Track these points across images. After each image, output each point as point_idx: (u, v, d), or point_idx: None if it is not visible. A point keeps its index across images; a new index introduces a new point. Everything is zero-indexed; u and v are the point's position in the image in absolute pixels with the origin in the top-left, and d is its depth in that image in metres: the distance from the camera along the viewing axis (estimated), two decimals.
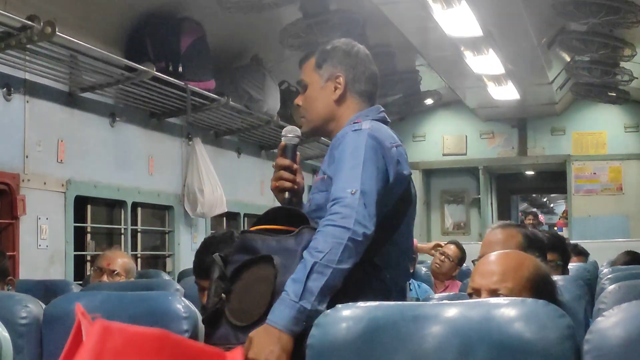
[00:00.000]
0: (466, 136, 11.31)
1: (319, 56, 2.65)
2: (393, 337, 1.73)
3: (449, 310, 1.73)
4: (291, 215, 2.41)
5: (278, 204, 2.58)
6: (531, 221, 14.35)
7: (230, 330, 2.23)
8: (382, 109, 2.65)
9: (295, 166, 2.61)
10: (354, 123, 2.49)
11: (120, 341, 1.05)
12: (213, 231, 6.56)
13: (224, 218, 7.41)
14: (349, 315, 1.78)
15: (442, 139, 11.28)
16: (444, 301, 1.82)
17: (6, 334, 1.89)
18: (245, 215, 7.70)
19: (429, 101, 9.98)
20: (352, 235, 2.22)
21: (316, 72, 2.63)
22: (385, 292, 2.42)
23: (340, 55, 2.63)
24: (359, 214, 2.25)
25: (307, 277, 2.14)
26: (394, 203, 2.46)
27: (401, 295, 2.55)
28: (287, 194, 2.59)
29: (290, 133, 2.62)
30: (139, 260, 6.12)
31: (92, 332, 1.02)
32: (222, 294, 2.28)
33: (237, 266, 2.32)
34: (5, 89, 4.63)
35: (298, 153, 2.64)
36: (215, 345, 2.11)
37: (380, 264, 2.41)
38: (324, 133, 2.71)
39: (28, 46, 4.40)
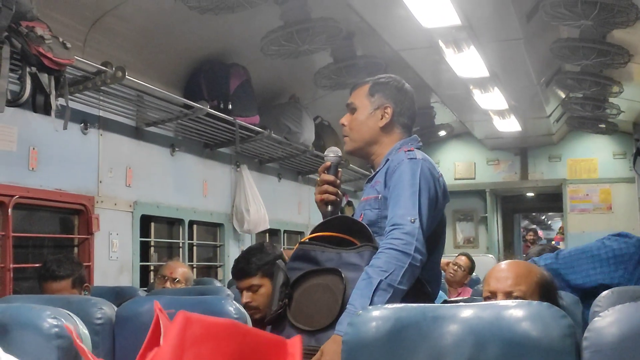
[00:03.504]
0: (475, 163, 11.26)
1: (372, 85, 2.60)
2: (416, 335, 1.71)
3: (464, 312, 1.71)
4: (355, 227, 2.36)
5: (312, 221, 2.54)
6: (531, 236, 14.20)
7: (294, 332, 2.16)
8: (419, 139, 2.61)
9: (337, 182, 2.58)
10: (408, 151, 2.44)
11: (198, 329, 1.06)
12: None
13: (267, 234, 7.41)
14: (378, 315, 1.77)
15: (454, 165, 11.24)
16: (460, 303, 1.81)
17: (86, 332, 1.90)
18: (285, 231, 7.70)
19: (442, 133, 9.95)
20: (412, 260, 2.18)
21: (368, 98, 2.58)
22: (429, 303, 2.37)
23: (392, 89, 2.59)
24: (419, 242, 2.21)
25: (374, 293, 2.10)
26: (437, 225, 2.43)
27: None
28: (329, 207, 2.55)
29: (332, 153, 2.58)
30: (194, 269, 6.13)
31: (175, 322, 1.04)
32: (285, 299, 2.24)
33: (301, 274, 2.27)
34: (82, 124, 4.69)
35: (340, 170, 2.61)
36: None
37: (424, 279, 2.36)
38: (365, 154, 2.62)
39: (102, 88, 4.45)
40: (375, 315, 1.78)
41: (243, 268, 2.96)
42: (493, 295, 2.17)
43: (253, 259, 2.94)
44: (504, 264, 2.26)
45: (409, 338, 1.72)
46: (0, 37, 3.27)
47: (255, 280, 2.92)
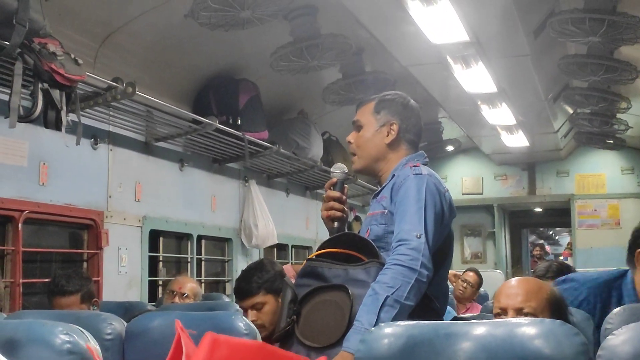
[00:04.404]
0: (482, 178, 11.24)
1: (378, 103, 2.61)
2: (429, 353, 1.71)
3: (477, 329, 1.70)
4: (361, 244, 2.35)
5: (320, 236, 2.54)
6: (538, 251, 14.13)
7: (302, 349, 2.17)
8: (426, 155, 2.61)
9: (344, 198, 2.58)
10: (413, 167, 2.45)
11: (226, 350, 1.06)
12: None
13: (275, 249, 7.40)
14: (391, 332, 1.77)
15: (461, 180, 11.23)
16: (473, 321, 1.80)
17: (97, 347, 1.91)
18: (292, 246, 7.69)
19: (450, 148, 9.95)
20: (419, 276, 2.17)
21: (374, 116, 2.59)
22: (437, 319, 2.35)
23: (398, 106, 2.60)
24: (425, 257, 2.20)
25: (380, 309, 2.09)
26: (443, 241, 2.43)
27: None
28: (336, 223, 2.54)
29: (338, 169, 2.59)
30: (202, 284, 6.13)
31: (203, 343, 1.04)
32: (293, 316, 2.24)
33: (308, 291, 2.27)
34: (92, 140, 4.71)
35: (346, 186, 2.61)
36: None
37: (431, 295, 2.35)
38: (373, 171, 2.63)
39: (112, 103, 4.47)
40: (387, 332, 1.77)
41: (244, 287, 2.94)
42: (503, 312, 2.17)
43: (254, 277, 2.92)
44: (514, 280, 2.26)
45: (421, 356, 1.71)
46: (14, 53, 3.30)
47: (258, 298, 2.90)
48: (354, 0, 4.67)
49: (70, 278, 3.60)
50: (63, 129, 3.63)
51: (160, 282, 5.63)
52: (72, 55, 3.65)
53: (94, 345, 1.87)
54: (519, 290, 2.17)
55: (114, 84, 4.31)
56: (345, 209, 2.59)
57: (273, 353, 1.14)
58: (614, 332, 1.59)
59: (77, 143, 3.78)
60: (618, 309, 2.40)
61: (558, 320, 1.67)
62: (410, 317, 2.15)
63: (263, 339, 2.77)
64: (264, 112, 6.02)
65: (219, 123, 5.37)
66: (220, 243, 6.49)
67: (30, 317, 2.59)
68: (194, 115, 5.30)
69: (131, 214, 5.05)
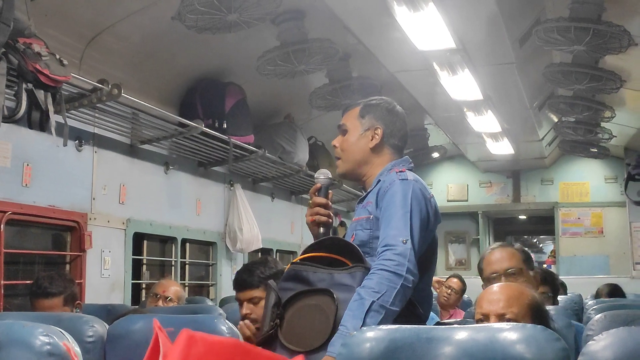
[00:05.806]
0: (467, 185, 11.28)
1: (363, 107, 2.62)
2: (410, 357, 1.70)
3: (458, 334, 1.70)
4: (346, 248, 2.35)
5: (305, 240, 2.53)
6: None
7: (285, 353, 2.15)
8: (411, 160, 2.62)
9: (329, 203, 2.58)
10: (399, 172, 2.45)
11: (202, 348, 1.06)
12: None
13: (259, 253, 7.38)
14: (372, 336, 1.77)
15: (446, 187, 11.25)
16: (455, 325, 1.80)
17: (78, 349, 1.89)
18: (277, 250, 7.67)
19: (435, 155, 9.96)
20: (404, 281, 2.17)
21: (359, 120, 2.60)
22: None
23: (382, 111, 2.61)
24: (411, 262, 2.21)
25: (366, 314, 2.09)
26: (428, 246, 2.43)
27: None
28: (321, 228, 2.54)
29: (322, 175, 2.59)
30: (186, 288, 6.10)
31: (179, 340, 1.04)
32: (277, 320, 2.22)
33: (292, 295, 2.25)
34: (77, 141, 4.68)
35: (330, 192, 2.61)
36: None
37: (415, 300, 2.35)
38: (357, 175, 2.64)
39: (97, 105, 4.44)
40: (369, 336, 1.77)
41: (246, 279, 2.95)
42: (485, 318, 2.17)
43: (256, 271, 2.94)
44: (496, 286, 2.26)
45: None
46: None
47: (257, 293, 2.90)
48: (341, 5, 4.67)
49: (53, 280, 3.57)
50: (53, 130, 3.59)
51: (144, 286, 5.60)
52: (57, 56, 3.62)
53: (74, 347, 1.85)
54: (501, 296, 2.18)
55: (100, 85, 4.28)
56: (331, 214, 2.59)
57: (250, 351, 1.14)
58: (594, 338, 1.60)
59: (64, 144, 3.75)
60: (599, 315, 2.42)
61: (539, 326, 1.67)
62: (395, 322, 2.15)
63: (254, 334, 2.77)
64: (250, 116, 6.01)
65: (205, 126, 5.35)
66: (204, 247, 6.47)
67: (10, 319, 2.57)
68: (180, 118, 5.28)
69: (115, 217, 5.02)
